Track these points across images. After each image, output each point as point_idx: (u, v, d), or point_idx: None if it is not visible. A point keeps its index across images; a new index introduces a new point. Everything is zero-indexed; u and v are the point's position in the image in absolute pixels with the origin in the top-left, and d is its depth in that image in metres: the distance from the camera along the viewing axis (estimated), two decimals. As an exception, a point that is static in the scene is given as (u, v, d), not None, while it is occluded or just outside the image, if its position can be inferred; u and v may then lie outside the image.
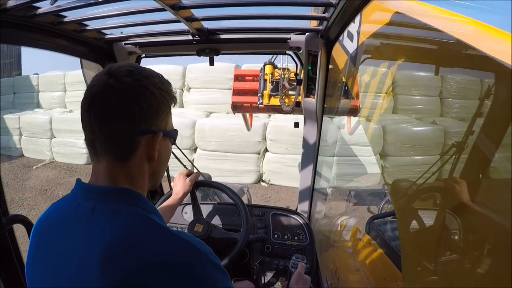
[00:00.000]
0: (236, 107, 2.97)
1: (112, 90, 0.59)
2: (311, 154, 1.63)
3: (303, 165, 1.67)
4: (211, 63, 1.49)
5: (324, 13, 1.18)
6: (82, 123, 0.61)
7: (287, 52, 1.51)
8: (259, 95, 2.68)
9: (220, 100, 5.97)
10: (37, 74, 7.42)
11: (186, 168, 1.78)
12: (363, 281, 1.29)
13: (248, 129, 4.04)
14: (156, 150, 0.63)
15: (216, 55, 1.44)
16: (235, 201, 1.37)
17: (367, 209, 2.04)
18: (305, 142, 1.62)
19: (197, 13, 1.18)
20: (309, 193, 1.69)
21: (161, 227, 0.58)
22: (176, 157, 1.89)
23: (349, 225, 1.66)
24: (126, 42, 1.42)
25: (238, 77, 3.03)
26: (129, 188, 0.61)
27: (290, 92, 2.53)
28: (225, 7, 1.16)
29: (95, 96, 0.60)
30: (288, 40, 1.38)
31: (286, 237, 1.50)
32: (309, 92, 1.46)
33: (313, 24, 1.43)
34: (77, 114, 5.91)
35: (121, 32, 1.39)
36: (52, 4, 0.98)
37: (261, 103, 2.65)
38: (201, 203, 1.66)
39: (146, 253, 0.53)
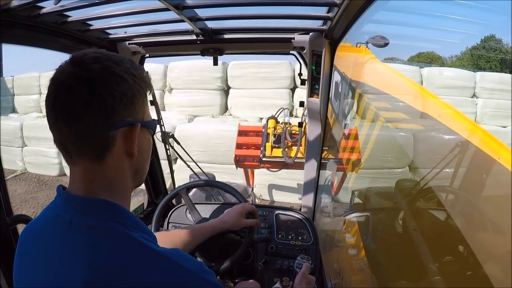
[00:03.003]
0: (239, 161, 3.09)
1: (78, 81, 0.52)
2: (315, 154, 1.62)
3: (307, 165, 1.67)
4: (215, 63, 1.49)
5: (328, 12, 1.18)
6: (48, 123, 0.55)
7: (291, 52, 1.51)
8: (261, 148, 2.79)
9: (206, 102, 5.36)
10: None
11: (193, 171, 1.77)
12: (366, 280, 1.29)
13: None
14: (135, 144, 0.56)
15: (220, 55, 1.44)
16: (239, 201, 1.37)
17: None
18: (308, 142, 1.62)
19: (201, 12, 1.18)
20: (313, 193, 1.69)
21: (143, 246, 0.53)
22: (182, 160, 1.91)
23: (353, 225, 1.66)
24: (130, 42, 1.42)
25: (241, 133, 3.19)
26: (107, 199, 0.55)
27: (291, 145, 2.71)
28: (229, 6, 1.16)
29: (60, 89, 0.53)
30: (292, 40, 1.38)
31: (290, 237, 1.50)
32: (313, 92, 1.46)
33: (317, 24, 1.42)
34: (49, 119, 5.65)
35: (125, 32, 1.39)
36: (56, 4, 0.98)
37: (264, 155, 2.82)
38: (204, 203, 1.66)
39: (132, 279, 0.50)
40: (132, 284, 0.50)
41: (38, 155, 5.51)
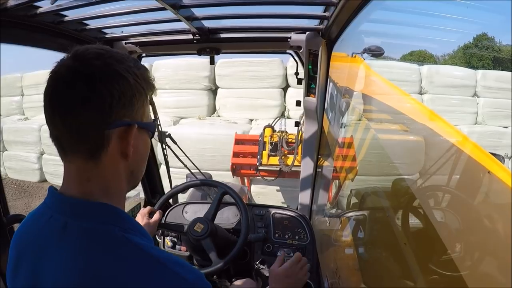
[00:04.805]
0: (235, 170, 3.12)
1: (78, 76, 0.50)
2: (312, 153, 1.63)
3: (304, 164, 1.67)
4: (212, 62, 1.50)
5: (324, 12, 1.18)
6: (45, 116, 0.53)
7: (288, 51, 1.51)
8: (258, 156, 2.86)
9: (193, 103, 5.06)
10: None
11: (190, 171, 1.77)
12: (363, 280, 1.29)
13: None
14: (131, 145, 0.54)
15: (217, 54, 1.44)
16: (235, 200, 1.37)
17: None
18: (305, 141, 1.63)
19: (198, 12, 1.18)
20: (310, 192, 1.69)
21: (142, 252, 0.51)
22: (180, 160, 1.90)
23: (350, 224, 1.66)
24: (127, 41, 1.42)
25: (238, 141, 3.22)
26: (103, 201, 0.54)
27: (288, 153, 2.75)
28: (225, 6, 1.16)
29: (58, 83, 0.52)
30: (289, 39, 1.38)
31: (286, 236, 1.50)
32: (309, 91, 1.47)
33: (313, 23, 1.43)
34: (30, 123, 5.39)
35: (122, 32, 1.39)
36: (52, 4, 0.98)
37: (261, 163, 2.86)
38: (201, 203, 1.67)
39: (127, 285, 0.49)
40: None
41: (18, 160, 5.29)
